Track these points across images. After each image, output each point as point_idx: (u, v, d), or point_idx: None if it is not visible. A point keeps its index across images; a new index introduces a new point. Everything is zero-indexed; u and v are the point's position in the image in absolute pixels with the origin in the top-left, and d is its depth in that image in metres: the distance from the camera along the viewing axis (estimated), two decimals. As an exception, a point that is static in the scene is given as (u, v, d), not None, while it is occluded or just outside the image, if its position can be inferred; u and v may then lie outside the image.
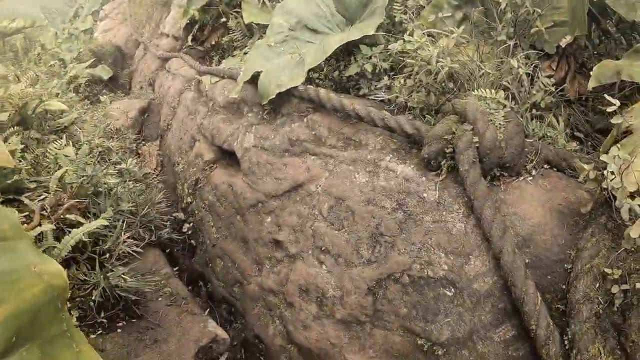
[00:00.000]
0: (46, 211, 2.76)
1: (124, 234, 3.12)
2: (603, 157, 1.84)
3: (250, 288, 3.02)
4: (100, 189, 3.31)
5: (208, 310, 3.34)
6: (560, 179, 2.29)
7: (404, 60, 2.60)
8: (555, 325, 1.91)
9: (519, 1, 2.32)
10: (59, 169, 3.09)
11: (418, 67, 2.30)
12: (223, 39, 4.58)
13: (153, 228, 3.56)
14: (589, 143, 2.53)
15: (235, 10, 4.51)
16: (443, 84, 2.33)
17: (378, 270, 2.36)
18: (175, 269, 3.62)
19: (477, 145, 2.16)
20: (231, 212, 3.42)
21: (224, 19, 4.55)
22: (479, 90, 2.24)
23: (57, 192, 2.97)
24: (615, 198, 1.86)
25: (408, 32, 2.50)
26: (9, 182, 2.82)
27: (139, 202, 3.54)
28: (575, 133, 2.52)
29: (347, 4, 3.07)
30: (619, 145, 1.92)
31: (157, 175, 4.39)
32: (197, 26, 4.98)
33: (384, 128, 2.46)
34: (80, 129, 4.21)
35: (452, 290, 2.18)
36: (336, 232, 2.60)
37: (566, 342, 1.85)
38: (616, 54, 2.70)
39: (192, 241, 3.85)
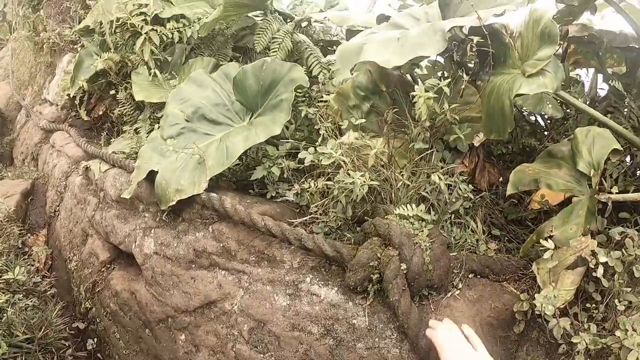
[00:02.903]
0: None
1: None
2: (537, 301, 1.69)
3: (177, 416, 2.52)
4: (-13, 314, 2.68)
5: None
6: (485, 286, 2.10)
7: (313, 162, 2.26)
8: None
9: (438, 110, 2.08)
10: None
11: (337, 191, 1.95)
12: (113, 112, 3.95)
13: (54, 350, 2.97)
14: (505, 238, 2.37)
15: (126, 80, 3.91)
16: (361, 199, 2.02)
17: (315, 400, 2.02)
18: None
19: (405, 272, 1.88)
20: (138, 324, 2.85)
21: (113, 91, 3.94)
22: (400, 207, 1.95)
23: None
24: (547, 321, 1.75)
25: (320, 138, 2.17)
26: None
27: (34, 324, 2.91)
28: (492, 231, 2.35)
29: (246, 92, 2.66)
30: (550, 279, 1.78)
31: (47, 276, 3.65)
32: (85, 97, 4.27)
33: (300, 247, 2.09)
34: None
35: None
36: (261, 355, 2.20)
37: None
38: (523, 141, 2.60)
39: (99, 354, 3.19)
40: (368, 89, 2.50)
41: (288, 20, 3.34)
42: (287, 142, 2.38)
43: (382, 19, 2.79)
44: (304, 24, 3.34)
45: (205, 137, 2.64)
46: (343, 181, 1.89)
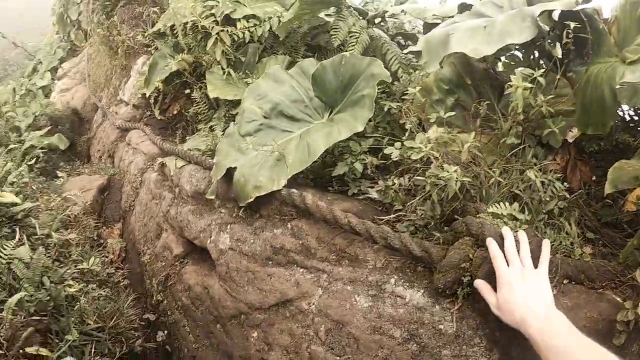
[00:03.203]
0: (1, 347, 2.27)
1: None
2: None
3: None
4: (60, 302, 2.78)
5: None
6: (580, 294, 1.91)
7: (399, 158, 2.18)
8: None
9: (533, 102, 1.94)
10: (12, 279, 2.65)
11: (430, 186, 1.86)
12: (187, 111, 4.05)
13: (124, 340, 3.03)
14: (600, 242, 2.18)
15: (201, 80, 4.01)
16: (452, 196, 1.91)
17: (395, 407, 1.93)
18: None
19: (499, 274, 1.75)
20: (209, 319, 2.88)
21: (187, 90, 4.04)
22: (492, 205, 1.83)
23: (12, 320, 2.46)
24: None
25: (407, 133, 2.08)
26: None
27: (106, 313, 2.99)
28: (586, 234, 2.16)
29: (325, 88, 2.62)
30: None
31: (120, 268, 3.79)
32: (160, 97, 4.42)
33: (384, 247, 2.01)
34: (35, 218, 3.58)
35: None
36: (338, 358, 2.13)
37: None
38: (616, 137, 2.39)
39: (167, 347, 3.26)
40: (452, 82, 2.39)
41: (361, 18, 3.29)
42: (370, 137, 2.31)
43: (464, 7, 2.68)
44: (377, 20, 3.27)
45: (284, 134, 2.62)
46: (436, 175, 1.79)
